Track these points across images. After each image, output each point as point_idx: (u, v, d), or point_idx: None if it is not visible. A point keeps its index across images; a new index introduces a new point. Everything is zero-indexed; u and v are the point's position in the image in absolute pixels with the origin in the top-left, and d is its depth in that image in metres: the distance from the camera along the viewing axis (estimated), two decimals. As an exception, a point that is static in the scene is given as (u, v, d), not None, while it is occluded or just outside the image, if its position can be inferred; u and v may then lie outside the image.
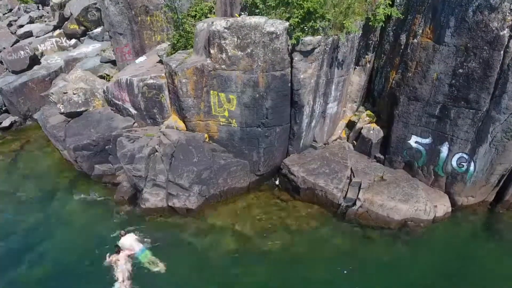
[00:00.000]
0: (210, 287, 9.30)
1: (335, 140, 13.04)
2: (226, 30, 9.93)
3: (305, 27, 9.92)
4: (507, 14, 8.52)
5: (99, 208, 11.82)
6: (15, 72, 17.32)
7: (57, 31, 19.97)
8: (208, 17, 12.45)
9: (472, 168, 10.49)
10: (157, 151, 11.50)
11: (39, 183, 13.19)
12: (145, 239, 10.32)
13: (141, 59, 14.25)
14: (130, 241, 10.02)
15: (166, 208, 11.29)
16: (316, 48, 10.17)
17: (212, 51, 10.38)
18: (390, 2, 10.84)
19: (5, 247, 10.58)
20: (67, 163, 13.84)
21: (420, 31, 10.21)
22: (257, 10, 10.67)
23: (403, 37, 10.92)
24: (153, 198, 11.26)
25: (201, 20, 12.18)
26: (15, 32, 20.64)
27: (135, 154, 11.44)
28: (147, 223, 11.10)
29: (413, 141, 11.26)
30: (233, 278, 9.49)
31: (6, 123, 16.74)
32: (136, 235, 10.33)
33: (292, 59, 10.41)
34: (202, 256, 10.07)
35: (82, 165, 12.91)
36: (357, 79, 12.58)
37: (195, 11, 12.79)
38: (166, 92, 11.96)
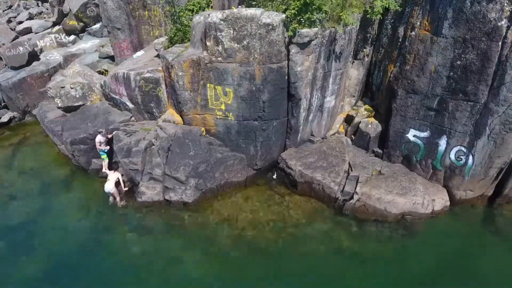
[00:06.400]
0: (205, 280, 9.24)
1: (333, 134, 12.96)
2: (222, 22, 9.88)
3: (302, 19, 9.86)
4: (505, 4, 8.43)
5: (96, 202, 11.77)
6: (14, 68, 17.34)
7: (56, 27, 20.03)
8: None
9: (470, 161, 10.40)
10: (153, 144, 11.46)
11: (36, 178, 13.17)
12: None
13: (139, 53, 14.23)
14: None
15: (162, 202, 11.25)
16: (313, 40, 10.10)
17: (208, 44, 10.34)
18: (388, -6, 10.78)
19: (3, 241, 10.56)
20: (65, 157, 13.81)
21: (418, 23, 10.13)
22: (254, 3, 10.63)
23: (401, 30, 10.85)
24: (149, 192, 11.23)
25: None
26: (15, 28, 20.73)
27: (131, 147, 11.40)
28: (144, 216, 11.07)
29: (411, 134, 11.18)
30: (230, 271, 9.45)
31: (4, 118, 16.75)
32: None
33: (289, 51, 10.35)
34: (198, 250, 10.02)
35: (79, 160, 12.88)
36: (355, 73, 12.52)
37: (193, 4, 12.76)
38: (163, 86, 11.92)
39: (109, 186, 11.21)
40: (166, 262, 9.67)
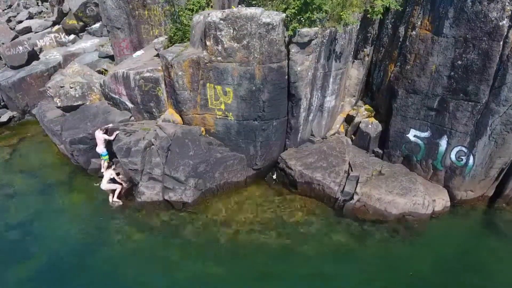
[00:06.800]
0: (205, 281, 9.20)
1: (333, 134, 12.92)
2: (222, 21, 9.84)
3: (302, 18, 9.82)
4: (507, 3, 8.40)
5: (95, 202, 11.75)
6: (13, 68, 17.31)
7: (56, 27, 20.01)
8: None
9: (471, 161, 10.36)
10: (153, 144, 11.42)
11: (35, 178, 13.14)
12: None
13: (139, 53, 14.17)
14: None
15: (162, 202, 11.21)
16: (313, 39, 10.06)
17: (208, 43, 10.30)
18: (389, -6, 10.72)
19: (2, 240, 10.54)
20: (64, 157, 13.78)
21: (419, 23, 10.09)
22: (253, 2, 10.59)
23: (401, 30, 10.81)
24: (149, 192, 11.19)
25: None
26: (14, 28, 20.70)
27: (131, 147, 11.35)
28: (143, 216, 11.04)
29: (412, 134, 11.13)
30: (229, 271, 9.40)
31: (4, 118, 16.69)
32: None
33: (289, 51, 10.31)
34: (198, 250, 9.99)
35: (79, 159, 12.86)
36: (355, 73, 12.47)
37: (193, 4, 12.69)
38: (163, 85, 11.87)
39: (103, 184, 11.31)
40: (165, 262, 9.65)
